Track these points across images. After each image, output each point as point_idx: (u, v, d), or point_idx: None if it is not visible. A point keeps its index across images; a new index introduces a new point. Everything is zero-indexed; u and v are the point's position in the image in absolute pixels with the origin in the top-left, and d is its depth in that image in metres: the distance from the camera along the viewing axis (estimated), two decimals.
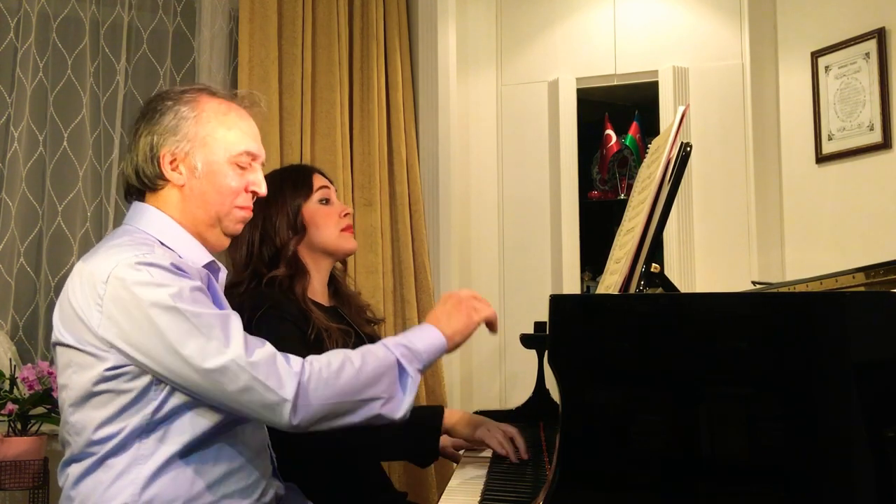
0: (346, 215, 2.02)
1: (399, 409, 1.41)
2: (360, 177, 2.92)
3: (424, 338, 1.47)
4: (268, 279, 1.89)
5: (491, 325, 1.57)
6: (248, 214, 1.55)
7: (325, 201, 2.00)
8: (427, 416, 1.81)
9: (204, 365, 1.32)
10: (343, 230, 2.00)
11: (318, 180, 2.02)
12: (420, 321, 2.89)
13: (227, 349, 1.32)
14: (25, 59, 2.68)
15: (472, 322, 1.53)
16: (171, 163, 1.48)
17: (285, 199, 1.95)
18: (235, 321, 1.38)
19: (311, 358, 1.39)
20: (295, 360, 1.37)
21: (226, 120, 1.51)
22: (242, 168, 1.52)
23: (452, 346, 1.50)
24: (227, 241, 1.56)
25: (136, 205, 1.52)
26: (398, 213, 2.94)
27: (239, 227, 1.56)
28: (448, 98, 3.02)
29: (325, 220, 1.98)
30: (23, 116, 2.67)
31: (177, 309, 1.33)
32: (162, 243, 1.45)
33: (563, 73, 3.08)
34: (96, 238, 2.76)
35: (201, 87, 1.54)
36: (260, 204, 1.68)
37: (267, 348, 1.37)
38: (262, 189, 1.55)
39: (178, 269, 1.37)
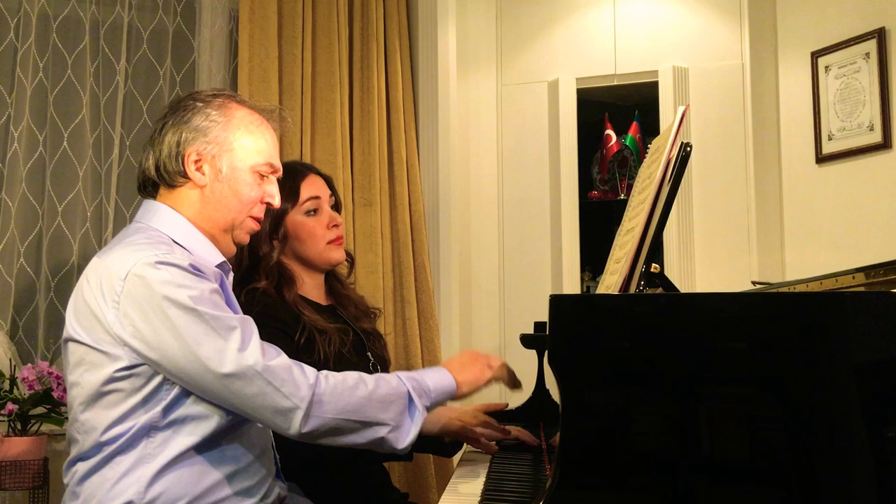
0: (334, 226, 1.95)
1: (404, 438, 1.44)
2: (360, 177, 2.92)
3: (435, 378, 1.52)
4: (249, 290, 1.83)
5: (509, 383, 1.63)
6: (258, 227, 1.58)
7: (313, 212, 1.93)
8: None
9: (220, 369, 1.33)
10: (330, 242, 1.93)
11: (307, 188, 1.93)
12: (420, 321, 2.91)
13: (245, 353, 1.34)
14: (25, 59, 2.68)
15: (484, 377, 1.58)
16: (195, 162, 1.49)
17: None
18: (252, 326, 1.40)
19: (325, 372, 1.41)
20: (310, 370, 1.40)
21: (254, 129, 1.54)
22: (262, 177, 1.54)
23: (460, 394, 1.55)
24: (233, 250, 1.58)
25: (148, 202, 1.52)
26: (398, 213, 2.94)
27: (247, 238, 1.58)
28: (448, 98, 3.02)
29: (311, 234, 1.92)
30: (23, 116, 2.67)
31: (196, 311, 1.34)
32: (176, 242, 1.46)
33: (563, 73, 3.07)
34: (96, 238, 2.76)
35: (231, 95, 1.56)
36: None
37: (283, 356, 1.39)
38: (276, 202, 1.58)
39: (196, 271, 1.39)
